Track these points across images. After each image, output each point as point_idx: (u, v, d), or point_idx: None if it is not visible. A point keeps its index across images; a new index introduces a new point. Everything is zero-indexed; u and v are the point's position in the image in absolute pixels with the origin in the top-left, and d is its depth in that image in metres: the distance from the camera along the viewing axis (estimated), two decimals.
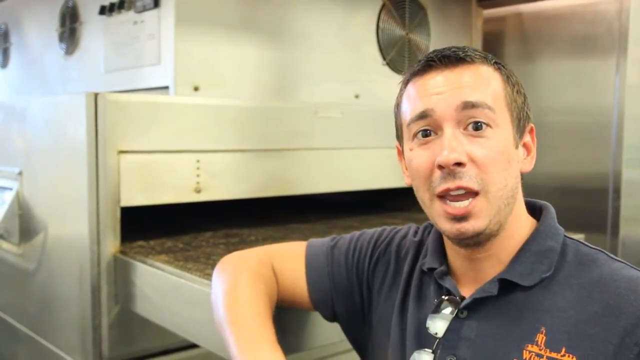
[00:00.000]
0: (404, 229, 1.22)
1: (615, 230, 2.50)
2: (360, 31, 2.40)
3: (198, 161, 1.78)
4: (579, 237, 2.00)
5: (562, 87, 2.69)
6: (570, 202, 2.65)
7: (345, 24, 2.35)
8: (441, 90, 0.96)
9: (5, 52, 3.10)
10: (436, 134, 0.96)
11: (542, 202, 1.07)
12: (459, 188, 0.93)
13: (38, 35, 2.82)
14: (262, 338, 1.04)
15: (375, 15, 2.43)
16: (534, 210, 1.06)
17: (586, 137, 2.64)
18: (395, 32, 2.50)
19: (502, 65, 1.01)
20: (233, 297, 1.13)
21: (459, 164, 0.92)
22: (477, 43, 2.84)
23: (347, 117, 2.14)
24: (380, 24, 2.44)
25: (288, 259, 1.24)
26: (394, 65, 2.49)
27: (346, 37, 2.35)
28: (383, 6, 2.45)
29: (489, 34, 2.94)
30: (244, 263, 1.21)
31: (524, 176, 1.02)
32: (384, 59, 2.47)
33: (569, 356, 0.89)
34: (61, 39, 2.57)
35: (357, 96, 2.37)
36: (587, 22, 2.63)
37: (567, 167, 2.67)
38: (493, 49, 2.91)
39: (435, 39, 2.63)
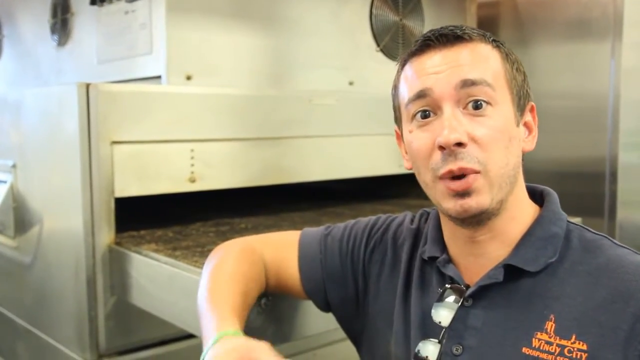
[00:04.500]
0: (400, 217, 1.20)
1: (613, 214, 2.50)
2: (354, 18, 2.38)
3: (192, 150, 1.77)
4: (577, 221, 2.01)
5: (558, 71, 2.68)
6: (567, 187, 2.65)
7: (339, 11, 2.33)
8: (439, 69, 0.95)
9: None
10: (435, 114, 0.95)
11: (544, 187, 1.06)
12: (460, 170, 0.92)
13: (30, 27, 2.80)
14: (222, 308, 1.03)
15: (369, 1, 2.42)
16: (535, 195, 1.05)
17: (582, 122, 2.63)
18: (388, 18, 2.48)
19: (501, 43, 1.00)
20: (213, 275, 1.13)
21: (459, 144, 0.91)
22: None
23: (341, 105, 2.13)
24: (374, 10, 2.42)
25: (281, 248, 1.24)
26: (388, 51, 2.48)
27: (339, 24, 2.34)
28: None
29: (483, 18, 2.93)
30: (232, 248, 1.21)
31: (523, 157, 1.01)
32: (378, 45, 2.45)
33: (579, 343, 0.89)
34: (53, 30, 2.55)
35: (351, 83, 2.36)
36: (582, 5, 2.62)
37: (563, 152, 2.67)
38: None
39: (429, 25, 2.61)
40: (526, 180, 1.05)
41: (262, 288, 1.19)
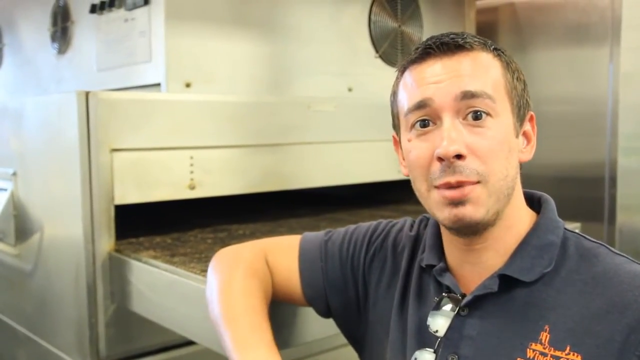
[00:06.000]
0: (400, 223, 1.20)
1: (612, 219, 2.50)
2: (352, 24, 2.39)
3: (192, 157, 1.78)
4: (576, 226, 2.02)
5: (556, 76, 2.69)
6: (567, 192, 2.65)
7: (337, 17, 2.34)
8: (440, 79, 0.93)
9: None
10: (435, 124, 0.94)
11: (541, 193, 1.05)
12: (459, 183, 0.91)
13: (31, 35, 2.81)
14: (257, 337, 1.03)
15: (367, 7, 2.43)
16: (532, 202, 1.04)
17: (581, 126, 2.64)
18: (387, 24, 2.49)
19: (502, 52, 0.99)
20: (228, 292, 1.12)
21: (459, 156, 0.90)
22: None
23: (340, 111, 2.13)
24: (372, 17, 2.43)
25: (281, 254, 1.23)
26: (386, 57, 2.48)
27: (338, 30, 2.35)
28: None
29: (482, 24, 2.94)
30: (239, 257, 1.19)
31: (521, 166, 1.01)
32: (377, 51, 2.46)
33: (573, 354, 0.88)
34: (53, 38, 2.56)
35: (350, 89, 2.37)
36: (580, 10, 2.62)
37: (562, 157, 2.67)
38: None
39: (428, 31, 2.62)
40: (525, 185, 1.05)
41: (270, 296, 1.19)
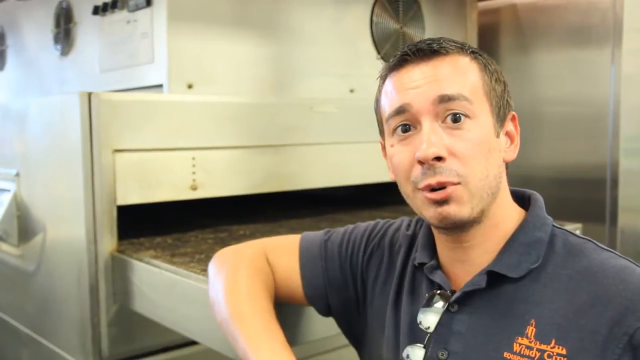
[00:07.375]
0: (397, 222, 1.22)
1: (614, 220, 2.50)
2: (354, 25, 2.40)
3: (194, 158, 1.78)
4: (577, 227, 2.02)
5: (558, 78, 2.69)
6: (568, 193, 2.65)
7: (339, 19, 2.35)
8: (417, 84, 0.96)
9: (2, 55, 3.11)
10: (415, 128, 0.96)
11: (531, 191, 1.07)
12: (439, 183, 0.93)
13: (34, 36, 2.82)
14: (271, 336, 1.04)
15: (369, 9, 2.43)
16: (523, 200, 1.06)
17: (583, 128, 2.64)
18: (389, 25, 2.50)
19: (480, 54, 1.01)
20: (234, 293, 1.13)
21: (438, 159, 0.92)
22: (472, 35, 2.84)
23: (342, 112, 2.14)
24: (374, 18, 2.44)
25: (282, 253, 1.24)
26: (388, 59, 2.46)
27: (340, 32, 2.35)
28: (376, 0, 2.45)
29: (484, 26, 2.94)
30: (241, 257, 1.20)
31: (513, 166, 1.02)
32: (379, 53, 2.47)
33: (558, 348, 0.89)
34: (56, 40, 2.57)
35: (352, 91, 2.37)
36: (582, 12, 2.63)
37: (564, 158, 2.67)
38: (488, 41, 2.91)
39: (430, 32, 2.63)
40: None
41: (274, 294, 1.20)
